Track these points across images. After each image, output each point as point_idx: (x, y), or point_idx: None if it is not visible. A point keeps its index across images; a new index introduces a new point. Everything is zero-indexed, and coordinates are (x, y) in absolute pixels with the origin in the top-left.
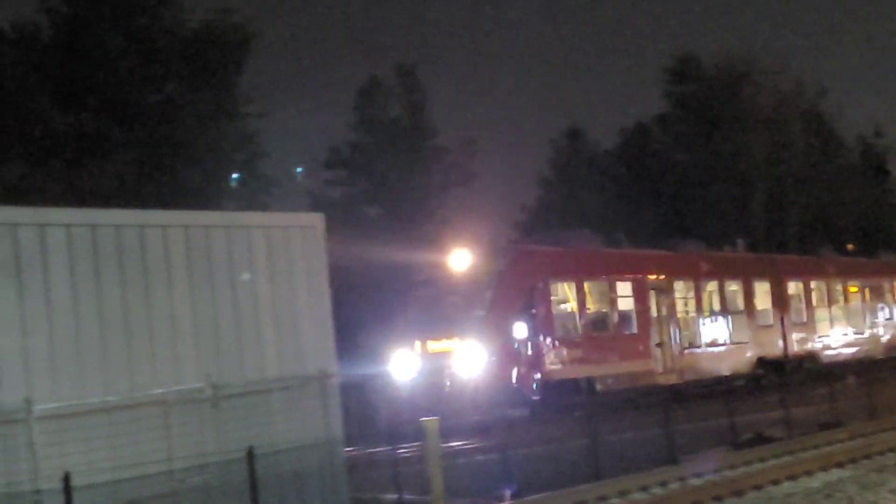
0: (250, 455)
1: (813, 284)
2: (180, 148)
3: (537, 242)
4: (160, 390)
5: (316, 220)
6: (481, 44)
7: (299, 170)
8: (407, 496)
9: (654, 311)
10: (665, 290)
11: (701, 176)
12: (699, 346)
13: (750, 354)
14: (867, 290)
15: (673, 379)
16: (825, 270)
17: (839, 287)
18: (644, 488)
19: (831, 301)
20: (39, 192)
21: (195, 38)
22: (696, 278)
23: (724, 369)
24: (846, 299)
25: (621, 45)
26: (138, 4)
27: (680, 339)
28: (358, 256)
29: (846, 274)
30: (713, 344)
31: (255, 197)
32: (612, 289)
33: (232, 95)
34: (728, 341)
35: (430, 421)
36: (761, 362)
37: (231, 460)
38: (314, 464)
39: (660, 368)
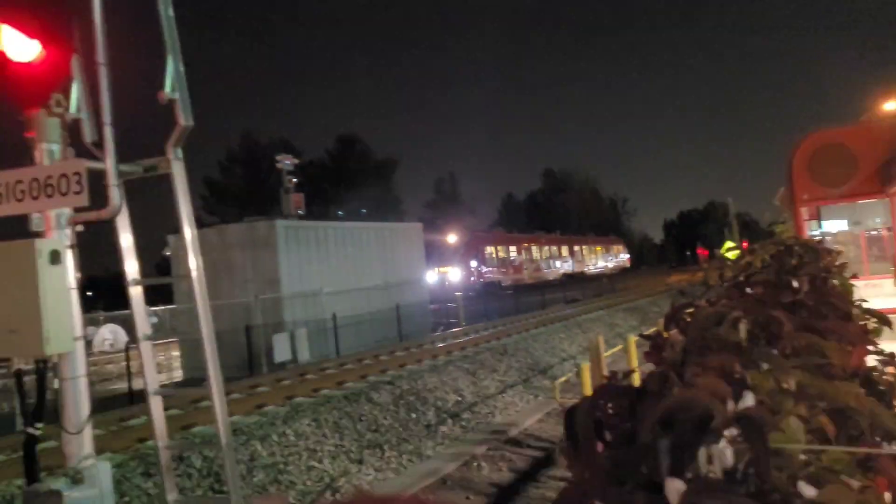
0: (397, 307)
1: (585, 247)
2: (373, 203)
3: (483, 232)
4: (367, 285)
5: (419, 226)
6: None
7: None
8: (450, 320)
9: (524, 257)
10: (529, 250)
11: (555, 213)
12: (541, 270)
13: (561, 272)
14: (603, 249)
15: (532, 282)
16: (590, 241)
17: (594, 248)
18: (533, 317)
19: (591, 253)
20: (326, 216)
21: (380, 163)
22: (540, 245)
23: (552, 278)
24: (596, 253)
25: (530, 153)
26: (357, 150)
27: (534, 268)
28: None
29: (597, 243)
30: (547, 269)
31: (399, 219)
32: (508, 250)
33: (392, 181)
34: (553, 268)
35: (459, 294)
36: (566, 275)
37: (391, 308)
38: (418, 309)
39: (527, 278)
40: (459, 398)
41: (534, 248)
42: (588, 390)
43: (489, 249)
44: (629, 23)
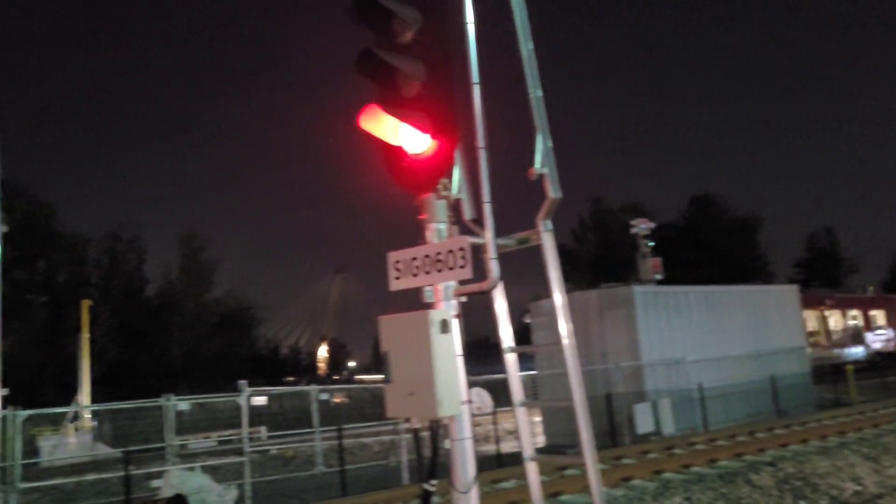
0: (772, 379)
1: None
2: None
3: None
4: (734, 353)
5: (793, 288)
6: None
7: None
8: (839, 395)
9: None
10: None
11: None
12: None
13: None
14: None
15: None
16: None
17: None
18: None
19: None
20: (682, 281)
21: (740, 221)
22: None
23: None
24: None
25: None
26: (714, 209)
27: None
28: None
29: None
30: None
31: (766, 282)
32: None
33: (755, 240)
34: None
35: (850, 366)
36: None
37: (764, 380)
38: (798, 381)
39: None
40: (859, 487)
41: None
42: None
43: None
44: None
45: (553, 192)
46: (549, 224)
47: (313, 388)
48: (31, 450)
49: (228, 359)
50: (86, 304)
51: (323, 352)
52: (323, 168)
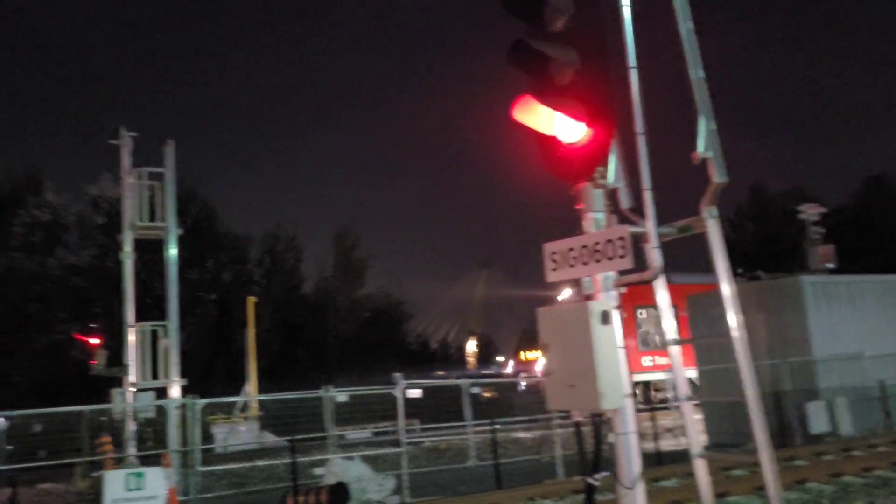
0: None
1: None
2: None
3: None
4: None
5: None
6: None
7: None
8: None
9: None
10: None
11: None
12: None
13: None
14: None
15: None
16: None
17: None
18: None
19: None
20: (852, 270)
21: None
22: None
23: None
24: None
25: None
26: (891, 192)
27: None
28: None
29: None
30: None
31: None
32: None
33: None
34: None
35: None
36: None
37: None
38: None
39: None
40: None
41: None
42: None
43: None
44: None
45: (718, 176)
46: (715, 210)
47: (465, 381)
48: (206, 437)
49: (381, 352)
50: (251, 301)
51: (471, 346)
52: (474, 161)
